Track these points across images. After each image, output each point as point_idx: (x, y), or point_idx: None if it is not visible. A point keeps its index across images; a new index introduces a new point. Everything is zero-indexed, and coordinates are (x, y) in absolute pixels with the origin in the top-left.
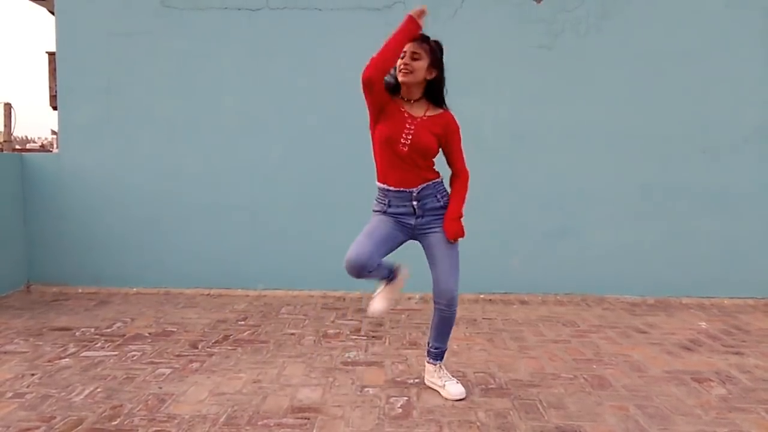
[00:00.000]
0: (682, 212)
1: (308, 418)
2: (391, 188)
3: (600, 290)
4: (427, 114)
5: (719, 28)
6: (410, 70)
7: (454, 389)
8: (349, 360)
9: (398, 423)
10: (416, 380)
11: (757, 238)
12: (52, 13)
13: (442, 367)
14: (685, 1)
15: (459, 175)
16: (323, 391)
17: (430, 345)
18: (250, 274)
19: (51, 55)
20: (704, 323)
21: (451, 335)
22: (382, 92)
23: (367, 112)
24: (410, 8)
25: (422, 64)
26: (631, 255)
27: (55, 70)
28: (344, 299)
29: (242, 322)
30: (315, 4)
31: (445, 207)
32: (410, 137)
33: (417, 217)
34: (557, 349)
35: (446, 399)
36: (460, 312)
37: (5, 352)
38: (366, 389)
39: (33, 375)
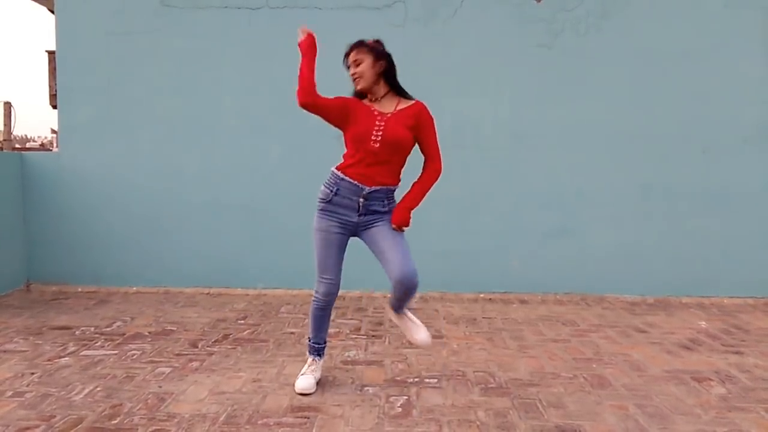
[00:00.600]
0: (681, 212)
1: (308, 417)
2: (347, 178)
3: (600, 289)
4: (398, 108)
5: (719, 28)
6: (359, 75)
7: (418, 335)
8: (348, 359)
9: (398, 422)
10: (416, 379)
11: (756, 238)
12: (52, 12)
13: (406, 315)
14: (685, 0)
15: (430, 167)
16: (323, 390)
17: (391, 304)
18: (249, 273)
19: (51, 53)
20: (704, 322)
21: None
22: (330, 107)
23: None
24: (410, 7)
25: (367, 64)
26: (631, 254)
27: (55, 69)
28: (344, 298)
29: (242, 321)
30: (315, 3)
31: (388, 212)
32: (380, 133)
33: (359, 215)
34: (557, 348)
35: (446, 395)
36: (460, 311)
37: (5, 351)
38: (366, 388)
39: (33, 374)
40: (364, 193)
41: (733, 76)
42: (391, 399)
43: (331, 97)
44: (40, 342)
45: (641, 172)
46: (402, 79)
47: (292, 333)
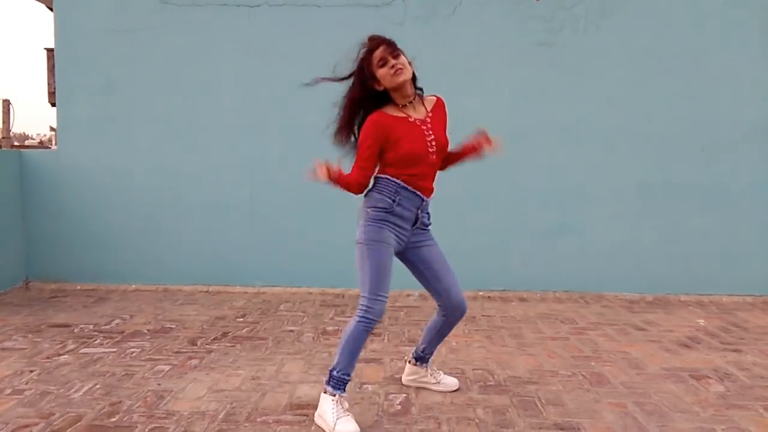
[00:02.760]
0: (680, 210)
1: (307, 415)
2: (409, 188)
3: (598, 287)
4: (428, 108)
5: (718, 26)
6: (402, 65)
7: (450, 380)
8: None
9: (397, 420)
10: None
11: (755, 236)
12: (51, 10)
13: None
14: None
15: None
16: (322, 387)
17: (423, 351)
18: (248, 271)
19: (50, 51)
20: (702, 320)
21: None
22: (376, 156)
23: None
24: (410, 5)
25: (404, 59)
26: (630, 252)
27: (53, 66)
28: (343, 296)
29: (241, 319)
30: (314, 0)
31: (430, 226)
32: (434, 143)
33: (413, 228)
34: (556, 346)
35: (444, 393)
36: None
37: (4, 349)
38: (365, 386)
39: (32, 371)
40: (423, 203)
41: (732, 74)
42: (390, 397)
43: (367, 149)
44: (39, 340)
45: (640, 170)
46: None
47: (291, 331)
